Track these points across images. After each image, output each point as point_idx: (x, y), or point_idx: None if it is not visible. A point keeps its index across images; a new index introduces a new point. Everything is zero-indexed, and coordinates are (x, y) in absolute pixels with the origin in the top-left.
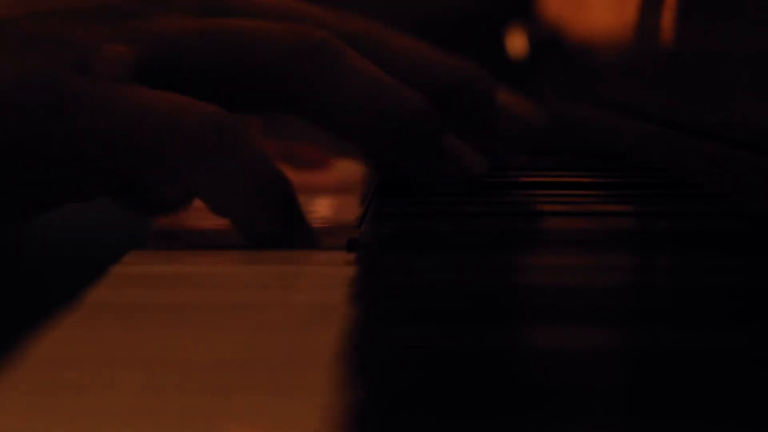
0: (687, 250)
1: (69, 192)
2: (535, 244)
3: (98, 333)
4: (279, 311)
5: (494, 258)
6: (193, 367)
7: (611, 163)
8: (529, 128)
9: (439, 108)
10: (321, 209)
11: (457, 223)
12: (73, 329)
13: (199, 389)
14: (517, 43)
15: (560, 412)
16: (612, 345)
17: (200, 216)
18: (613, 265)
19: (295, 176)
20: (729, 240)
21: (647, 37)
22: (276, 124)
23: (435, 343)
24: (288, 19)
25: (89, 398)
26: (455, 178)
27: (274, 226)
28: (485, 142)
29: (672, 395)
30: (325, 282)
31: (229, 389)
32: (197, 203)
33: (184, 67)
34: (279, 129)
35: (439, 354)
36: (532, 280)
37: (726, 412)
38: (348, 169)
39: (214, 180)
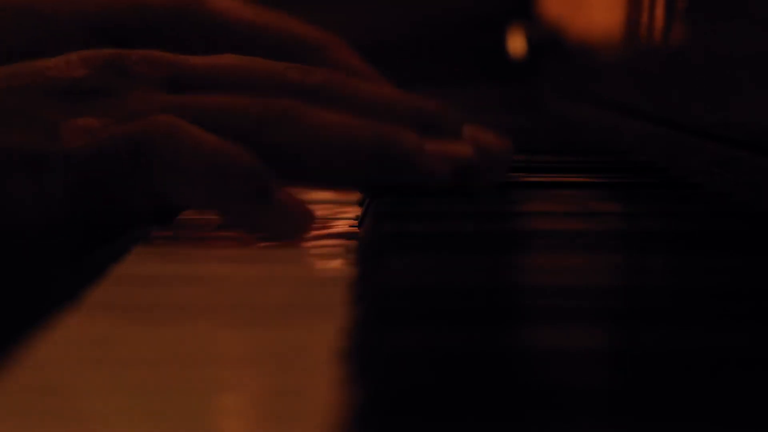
0: (687, 250)
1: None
2: (535, 244)
3: (99, 333)
4: (279, 311)
5: (494, 258)
6: (193, 367)
7: (611, 163)
8: (498, 161)
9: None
10: (320, 209)
11: (456, 223)
12: (74, 329)
13: (199, 389)
14: (517, 43)
15: (560, 412)
16: (612, 345)
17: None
18: (612, 266)
19: None
20: (729, 240)
21: (647, 37)
22: None
23: (435, 343)
24: (251, 82)
25: (89, 398)
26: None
27: (239, 207)
28: (454, 177)
29: (672, 395)
30: (325, 282)
31: (230, 389)
32: None
33: None
34: None
35: (439, 354)
36: (532, 280)
37: (726, 412)
38: None
39: (175, 179)
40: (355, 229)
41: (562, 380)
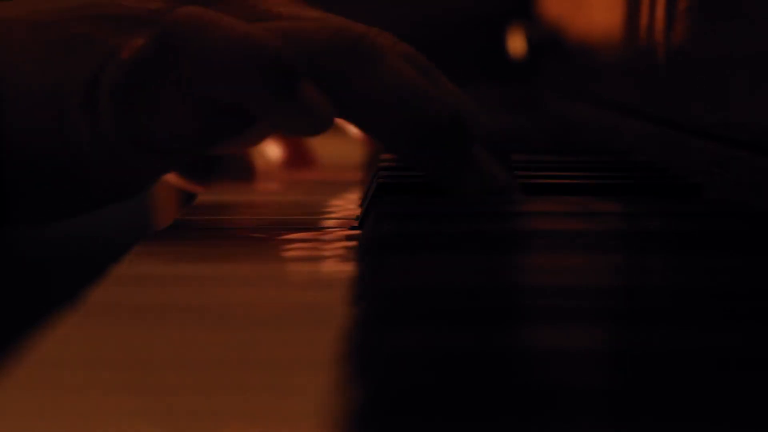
0: (687, 250)
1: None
2: (535, 244)
3: (99, 333)
4: (279, 311)
5: (494, 258)
6: (193, 367)
7: (611, 163)
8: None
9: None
10: (321, 209)
11: (457, 223)
12: (74, 329)
13: (199, 389)
14: (517, 43)
15: (560, 412)
16: (612, 345)
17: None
18: (612, 266)
19: (287, 173)
20: (729, 240)
21: (647, 37)
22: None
23: (435, 343)
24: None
25: (89, 398)
26: (477, 189)
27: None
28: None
29: (672, 395)
30: (326, 282)
31: (229, 389)
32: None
33: None
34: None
35: (439, 354)
36: (532, 280)
37: (725, 412)
38: (347, 169)
39: (203, 65)
40: (356, 230)
41: (562, 380)
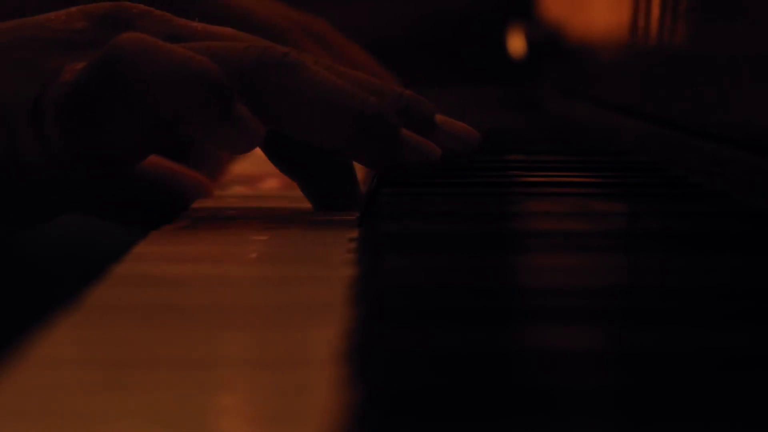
0: (687, 250)
1: (61, 201)
2: (535, 245)
3: (99, 333)
4: (279, 311)
5: (494, 258)
6: (193, 367)
7: (611, 163)
8: (466, 147)
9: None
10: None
11: (456, 222)
12: (74, 329)
13: (199, 389)
14: (517, 43)
15: (560, 412)
16: (612, 346)
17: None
18: (612, 266)
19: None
20: (729, 240)
21: (647, 37)
22: None
23: (435, 343)
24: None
25: (89, 398)
26: (414, 166)
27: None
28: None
29: (671, 396)
30: (325, 282)
31: (229, 389)
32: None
33: None
34: None
35: (439, 354)
36: (531, 280)
37: (726, 412)
38: None
39: (149, 87)
40: (355, 230)
41: (562, 380)
